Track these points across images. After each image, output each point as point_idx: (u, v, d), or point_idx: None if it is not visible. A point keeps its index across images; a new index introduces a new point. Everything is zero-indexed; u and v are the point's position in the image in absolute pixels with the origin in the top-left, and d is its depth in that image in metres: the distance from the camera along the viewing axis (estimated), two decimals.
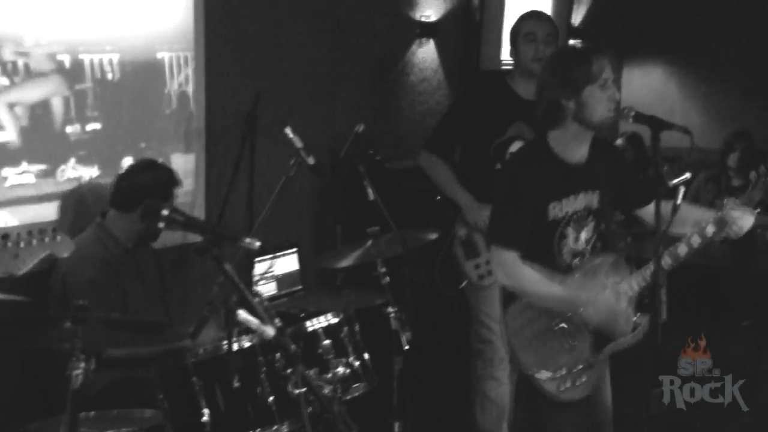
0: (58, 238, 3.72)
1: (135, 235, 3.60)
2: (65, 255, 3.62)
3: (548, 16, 4.28)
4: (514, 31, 4.15)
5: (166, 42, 4.21)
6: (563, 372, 3.07)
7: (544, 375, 3.07)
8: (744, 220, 3.03)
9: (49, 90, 3.72)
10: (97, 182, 3.92)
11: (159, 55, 4.19)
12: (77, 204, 3.83)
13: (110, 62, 3.96)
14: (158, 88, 4.23)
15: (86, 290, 3.35)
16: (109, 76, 3.96)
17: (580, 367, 3.09)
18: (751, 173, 3.09)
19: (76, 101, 3.84)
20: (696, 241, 3.03)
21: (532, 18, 4.17)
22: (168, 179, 3.60)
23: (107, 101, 3.97)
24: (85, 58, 3.85)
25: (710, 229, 3.02)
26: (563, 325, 3.10)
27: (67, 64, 3.77)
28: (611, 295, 3.07)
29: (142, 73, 4.12)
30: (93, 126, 3.93)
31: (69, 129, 3.82)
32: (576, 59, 3.08)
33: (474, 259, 4.10)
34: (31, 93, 3.64)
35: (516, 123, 4.02)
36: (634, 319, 3.12)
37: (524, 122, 3.96)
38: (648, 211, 3.28)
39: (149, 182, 3.53)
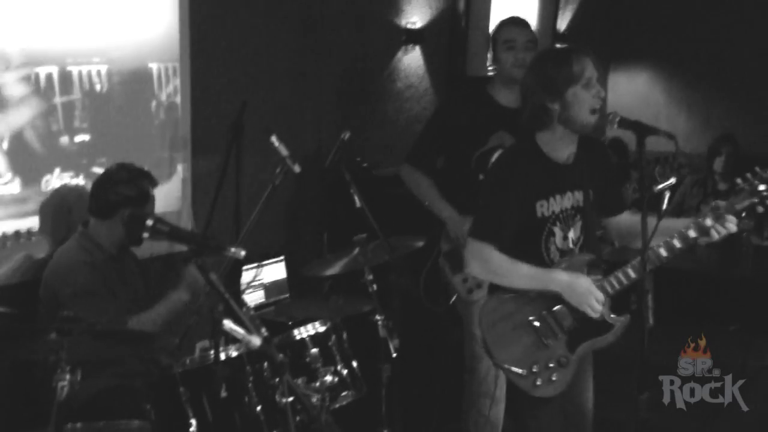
0: (33, 239, 3.72)
1: (118, 241, 3.58)
2: (41, 255, 3.62)
3: (527, 23, 4.22)
4: (494, 39, 4.11)
5: (154, 53, 4.20)
6: (535, 369, 3.08)
7: (516, 371, 3.08)
8: (724, 228, 3.05)
9: (28, 114, 3.68)
10: (77, 184, 3.89)
11: (147, 66, 4.18)
12: (58, 206, 3.81)
13: (98, 73, 3.95)
14: (147, 99, 4.21)
15: (80, 299, 3.35)
16: (98, 87, 3.95)
17: (552, 365, 3.10)
18: (737, 179, 3.09)
19: (64, 113, 3.82)
20: (677, 244, 3.06)
21: (511, 25, 4.12)
22: (142, 183, 3.56)
23: (96, 112, 3.95)
24: (74, 69, 3.83)
25: (692, 234, 3.05)
26: (538, 323, 3.11)
27: (55, 75, 3.75)
28: (586, 280, 3.08)
29: (131, 84, 4.10)
30: (81, 137, 3.91)
31: (56, 140, 3.79)
32: (556, 62, 3.09)
33: (461, 272, 4.00)
34: (11, 120, 3.62)
35: (497, 132, 3.97)
36: (612, 315, 3.13)
37: (506, 131, 3.94)
38: (613, 222, 3.35)
39: (123, 188, 3.50)
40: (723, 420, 4.02)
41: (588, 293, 3.06)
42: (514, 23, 4.14)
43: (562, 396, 3.18)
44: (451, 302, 4.09)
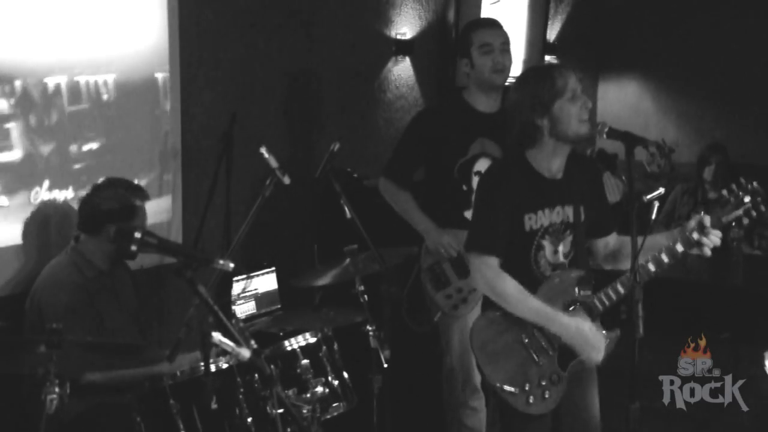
0: None
1: (108, 256, 3.56)
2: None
3: (500, 23, 4.03)
4: (466, 43, 3.94)
5: (159, 62, 4.21)
6: (527, 387, 3.08)
7: (509, 389, 3.08)
8: (710, 242, 3.06)
9: (32, 125, 3.66)
10: (64, 202, 3.86)
11: (153, 76, 4.20)
12: (41, 226, 3.78)
13: (105, 84, 3.95)
14: (152, 109, 4.22)
15: (62, 316, 3.31)
16: (105, 97, 3.95)
17: (545, 382, 3.10)
18: (723, 191, 3.11)
19: (71, 122, 3.82)
20: (665, 259, 3.07)
21: (485, 27, 3.97)
22: (129, 196, 3.52)
23: (103, 122, 3.97)
24: (81, 79, 3.84)
25: (679, 248, 3.07)
26: (528, 341, 3.11)
27: (64, 85, 3.76)
28: (590, 327, 3.07)
29: (137, 95, 4.11)
30: (90, 146, 3.91)
31: (64, 150, 3.80)
32: (539, 79, 3.12)
33: (444, 289, 3.94)
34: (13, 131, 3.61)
35: (478, 139, 3.90)
36: (603, 332, 3.13)
37: (486, 137, 3.88)
38: (601, 243, 3.34)
39: (109, 202, 3.47)
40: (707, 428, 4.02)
41: (592, 344, 3.06)
42: (489, 25, 4.00)
43: (569, 414, 3.19)
44: (435, 319, 4.02)
